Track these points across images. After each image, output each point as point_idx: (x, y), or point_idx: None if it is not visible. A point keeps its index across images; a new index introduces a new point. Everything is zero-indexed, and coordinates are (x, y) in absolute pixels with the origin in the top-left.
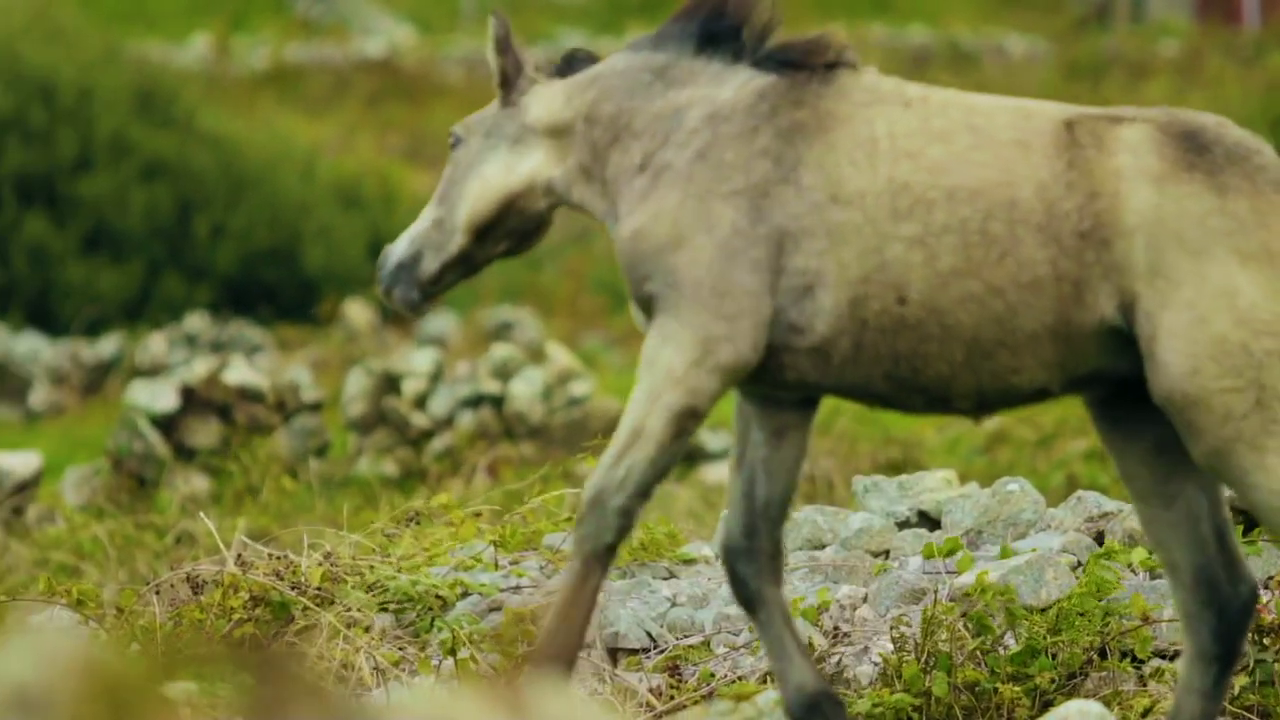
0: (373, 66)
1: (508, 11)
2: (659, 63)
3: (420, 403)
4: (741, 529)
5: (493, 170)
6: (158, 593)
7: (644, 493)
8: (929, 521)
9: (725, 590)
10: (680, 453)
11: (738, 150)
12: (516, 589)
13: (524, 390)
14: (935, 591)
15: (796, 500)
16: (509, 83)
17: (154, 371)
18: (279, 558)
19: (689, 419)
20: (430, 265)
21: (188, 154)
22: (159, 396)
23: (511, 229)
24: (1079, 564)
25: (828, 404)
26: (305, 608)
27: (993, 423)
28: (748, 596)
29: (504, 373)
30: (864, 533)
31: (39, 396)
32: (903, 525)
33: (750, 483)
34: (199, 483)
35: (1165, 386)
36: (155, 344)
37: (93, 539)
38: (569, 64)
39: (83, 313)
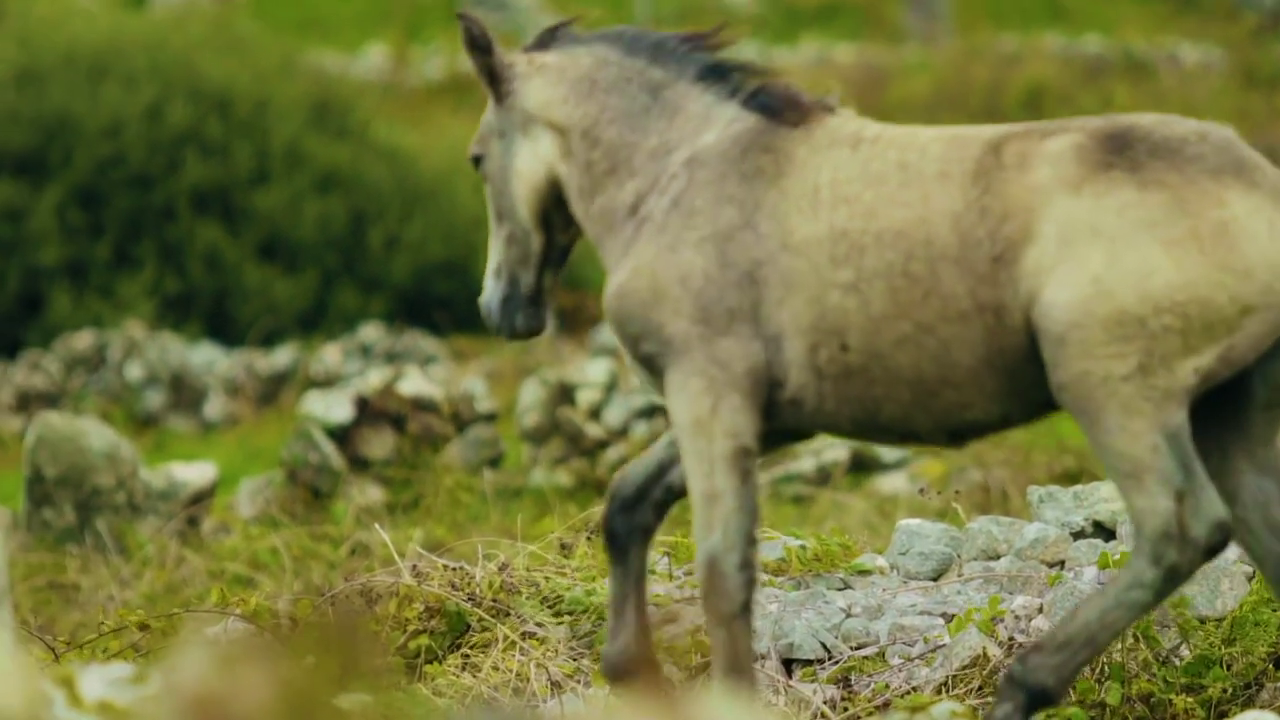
0: None
1: (681, 22)
2: (655, 80)
3: (595, 413)
4: (638, 485)
5: (523, 162)
6: (332, 604)
7: (749, 540)
8: (1104, 532)
9: (901, 601)
10: (757, 490)
11: (706, 196)
12: (690, 599)
13: None
14: None
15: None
16: (497, 79)
17: (329, 382)
18: (454, 569)
19: (743, 458)
20: (528, 279)
21: (362, 165)
22: (334, 407)
23: (565, 210)
24: (1255, 573)
25: None
26: (480, 619)
27: None
28: (617, 546)
29: None
30: (1039, 543)
31: (214, 407)
32: (1078, 535)
33: (670, 457)
34: (374, 494)
35: (1050, 329)
36: (330, 355)
37: (267, 550)
38: (551, 39)
39: (258, 324)
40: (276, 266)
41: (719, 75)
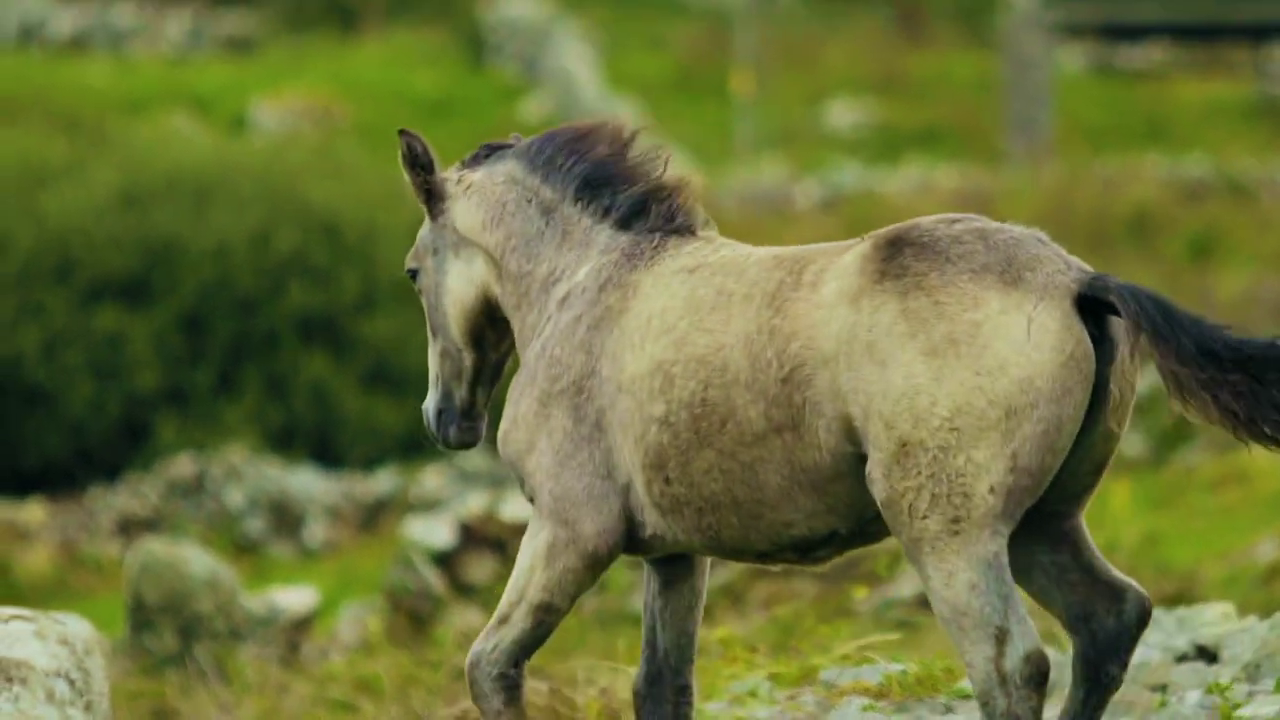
0: None
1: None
2: (547, 200)
3: None
4: (646, 676)
5: (454, 281)
6: None
7: (514, 664)
8: (1207, 655)
9: None
10: (545, 637)
11: (564, 345)
12: None
13: None
14: None
15: (696, 647)
16: (434, 197)
17: (430, 507)
18: (555, 692)
19: (546, 612)
20: (462, 394)
21: None
22: (435, 533)
23: (500, 326)
24: None
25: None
26: None
27: (1273, 553)
28: None
29: None
30: (1142, 667)
31: (314, 533)
32: (1180, 659)
33: (652, 630)
34: (476, 619)
35: (874, 492)
36: (431, 479)
37: (369, 676)
38: (484, 156)
39: (359, 448)
40: (380, 393)
41: (594, 192)
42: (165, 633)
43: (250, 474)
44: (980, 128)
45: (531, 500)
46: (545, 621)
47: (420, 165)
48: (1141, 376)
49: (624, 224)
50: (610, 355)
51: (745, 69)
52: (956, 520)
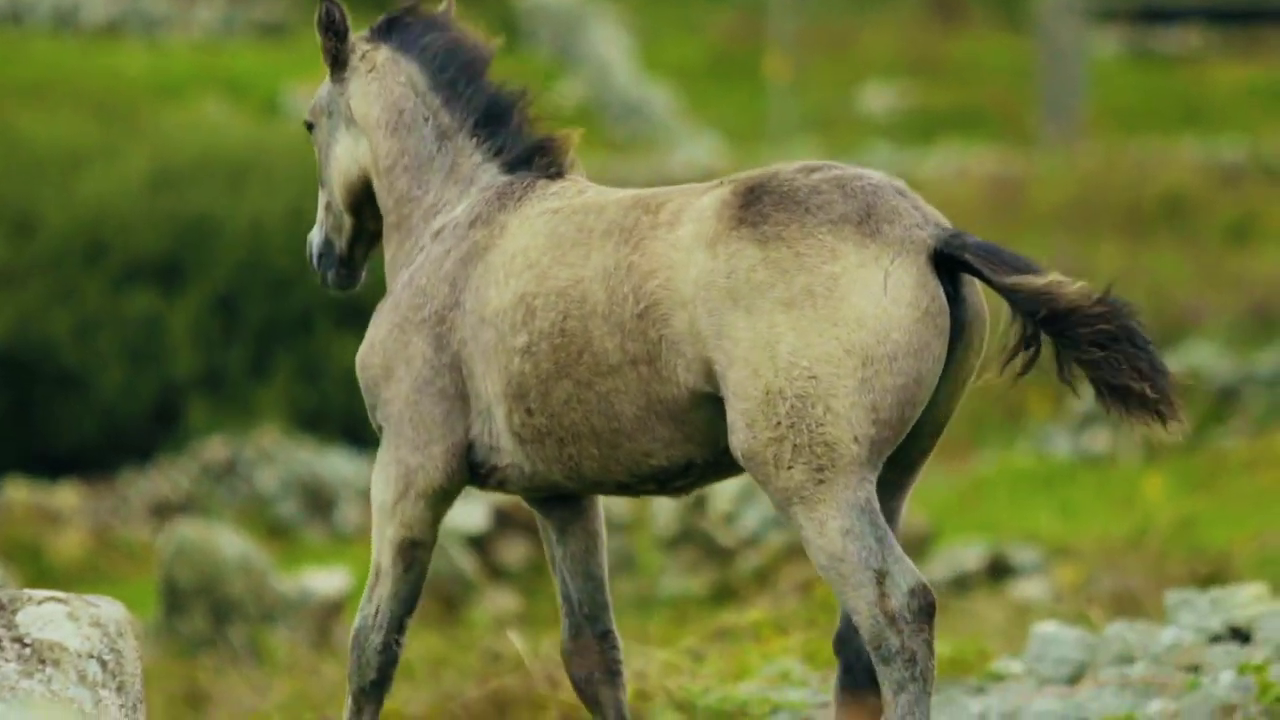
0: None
1: (819, 130)
2: (444, 125)
3: (728, 520)
4: (568, 631)
5: (342, 152)
6: (466, 710)
7: (398, 626)
8: (1240, 636)
9: (1036, 706)
10: (420, 580)
11: (430, 275)
12: (826, 705)
13: None
14: (1247, 707)
15: (609, 591)
16: (338, 63)
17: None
18: None
19: (411, 549)
20: (341, 245)
21: None
22: (469, 515)
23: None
24: None
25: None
26: None
27: None
28: (586, 698)
29: None
30: (1175, 648)
31: (346, 515)
32: (1214, 640)
33: (563, 584)
34: (509, 601)
35: (734, 444)
36: None
37: (404, 658)
38: (389, 28)
39: None
40: None
41: (492, 129)
42: (197, 615)
43: (282, 457)
44: (1015, 112)
45: (380, 430)
46: (415, 559)
47: (336, 32)
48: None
49: (510, 167)
50: (474, 289)
51: (780, 53)
52: (821, 469)
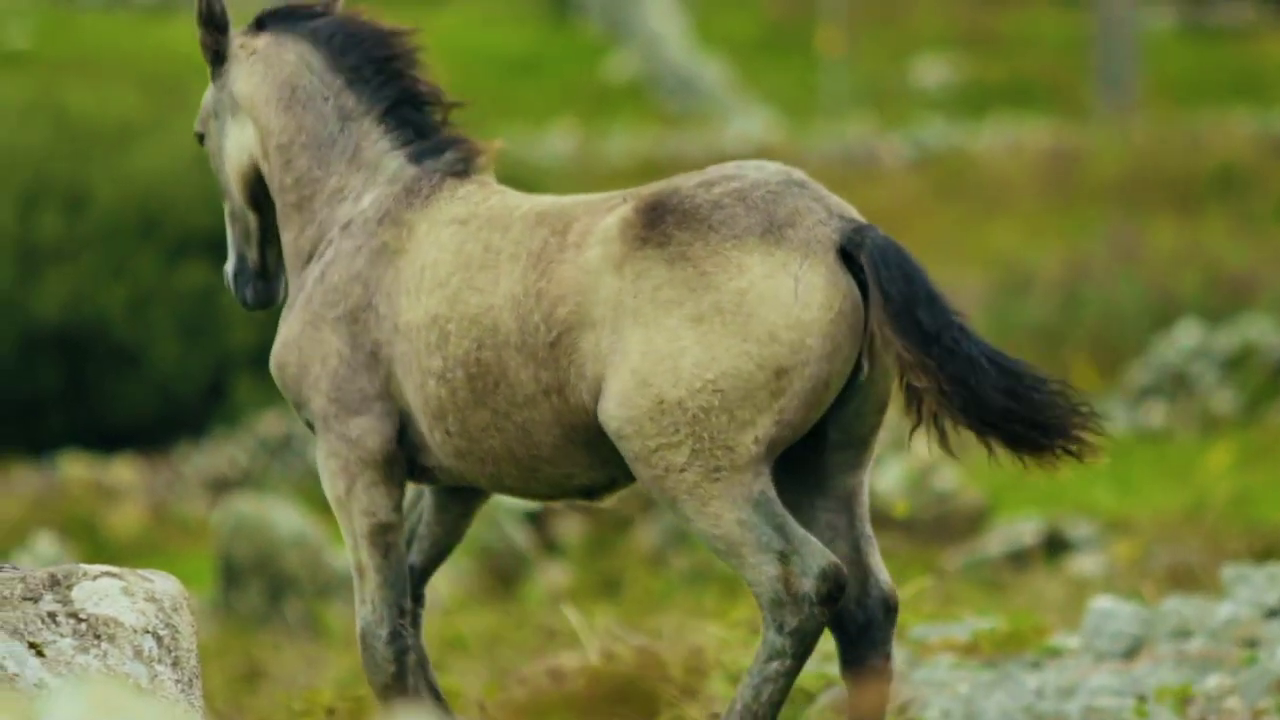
0: (738, 158)
1: (871, 103)
2: (347, 107)
3: None
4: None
5: (232, 145)
6: (521, 685)
7: (399, 612)
8: None
9: (1093, 682)
10: (402, 562)
11: (342, 273)
12: None
13: (888, 482)
14: None
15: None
16: (219, 58)
17: None
18: (643, 650)
19: (382, 533)
20: (253, 254)
21: None
22: None
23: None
24: None
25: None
26: (669, 700)
27: None
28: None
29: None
30: (1232, 623)
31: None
32: (1271, 615)
33: (409, 549)
34: (563, 576)
35: (623, 449)
36: None
37: (458, 633)
38: (268, 19)
39: None
40: None
41: (402, 120)
42: (254, 590)
43: None
44: (1068, 85)
45: (310, 426)
46: (389, 544)
47: (217, 25)
48: None
49: (416, 159)
50: (386, 294)
51: (832, 26)
52: (718, 469)
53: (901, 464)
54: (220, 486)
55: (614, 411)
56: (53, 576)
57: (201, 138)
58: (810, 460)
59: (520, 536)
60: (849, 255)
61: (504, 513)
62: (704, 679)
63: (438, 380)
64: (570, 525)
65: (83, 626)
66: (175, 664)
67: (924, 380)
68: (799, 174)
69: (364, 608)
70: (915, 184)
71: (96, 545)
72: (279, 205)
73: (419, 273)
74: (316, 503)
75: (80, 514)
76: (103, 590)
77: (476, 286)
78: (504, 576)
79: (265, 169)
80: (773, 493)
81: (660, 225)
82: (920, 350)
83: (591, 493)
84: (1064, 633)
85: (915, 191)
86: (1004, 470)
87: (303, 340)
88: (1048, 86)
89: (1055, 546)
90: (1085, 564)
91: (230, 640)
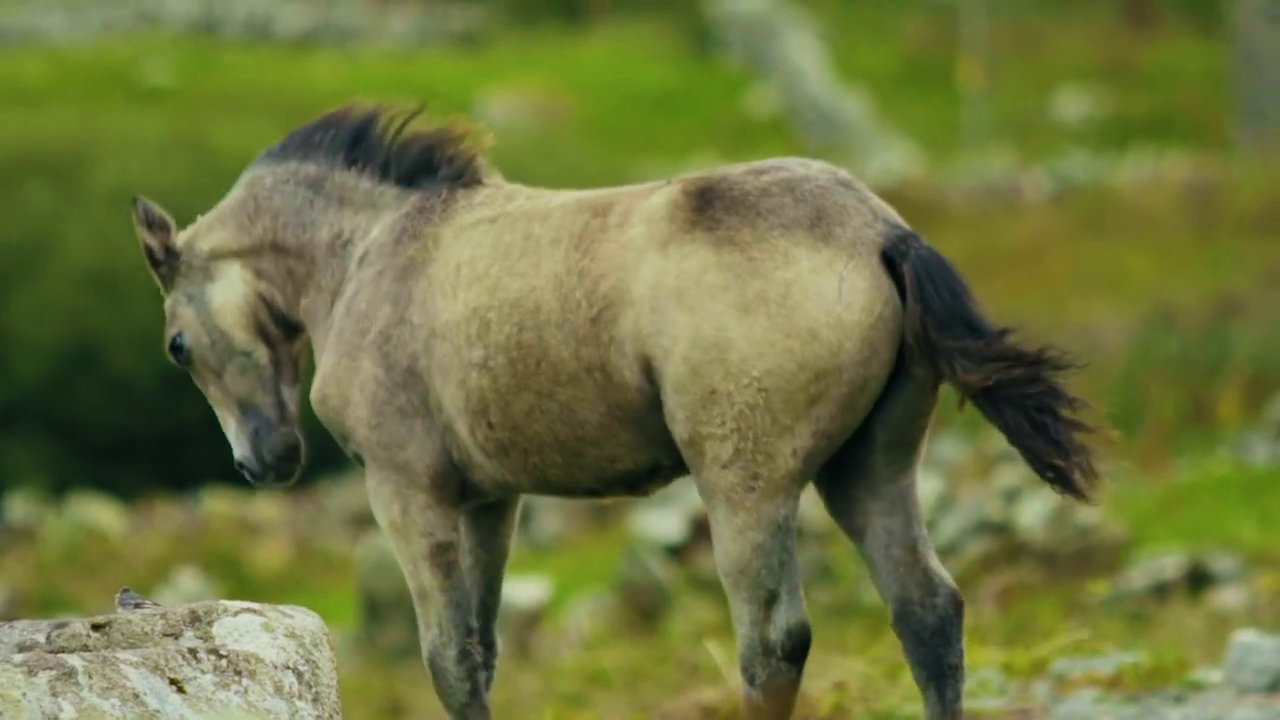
0: (880, 192)
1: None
2: (310, 175)
3: (928, 528)
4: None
5: (220, 296)
6: None
7: (466, 631)
8: None
9: (1235, 716)
10: (463, 582)
11: (368, 297)
12: (1023, 713)
13: (1031, 517)
14: None
15: (498, 607)
16: (170, 254)
17: (661, 500)
18: None
19: (442, 553)
20: (268, 400)
21: None
22: (666, 525)
23: (280, 323)
24: None
25: None
26: None
27: None
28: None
29: (1011, 499)
30: None
31: (545, 526)
32: None
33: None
34: (706, 611)
35: (675, 432)
36: None
37: (600, 668)
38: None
39: None
40: None
41: (367, 154)
42: (396, 626)
43: None
44: (1210, 117)
45: (358, 459)
46: (449, 563)
47: (159, 225)
48: None
49: (408, 180)
50: (420, 303)
51: (973, 59)
52: (756, 478)
53: (1043, 499)
54: (362, 522)
55: (669, 394)
56: (193, 613)
57: (179, 346)
58: (859, 463)
59: (661, 570)
60: (890, 260)
61: (645, 547)
62: (847, 716)
63: (480, 370)
64: (712, 559)
65: (223, 663)
66: (316, 700)
67: (974, 381)
68: (845, 173)
69: (430, 631)
70: (1056, 217)
71: (240, 581)
72: (291, 291)
73: (454, 272)
74: None
75: (223, 550)
76: (243, 626)
77: (517, 272)
78: (645, 611)
79: (265, 289)
80: (794, 521)
81: (709, 209)
82: (970, 356)
83: (635, 482)
84: (1207, 667)
85: (1056, 225)
86: (1146, 504)
87: (339, 372)
88: (1189, 118)
89: (1198, 580)
90: (1228, 597)
91: (372, 676)
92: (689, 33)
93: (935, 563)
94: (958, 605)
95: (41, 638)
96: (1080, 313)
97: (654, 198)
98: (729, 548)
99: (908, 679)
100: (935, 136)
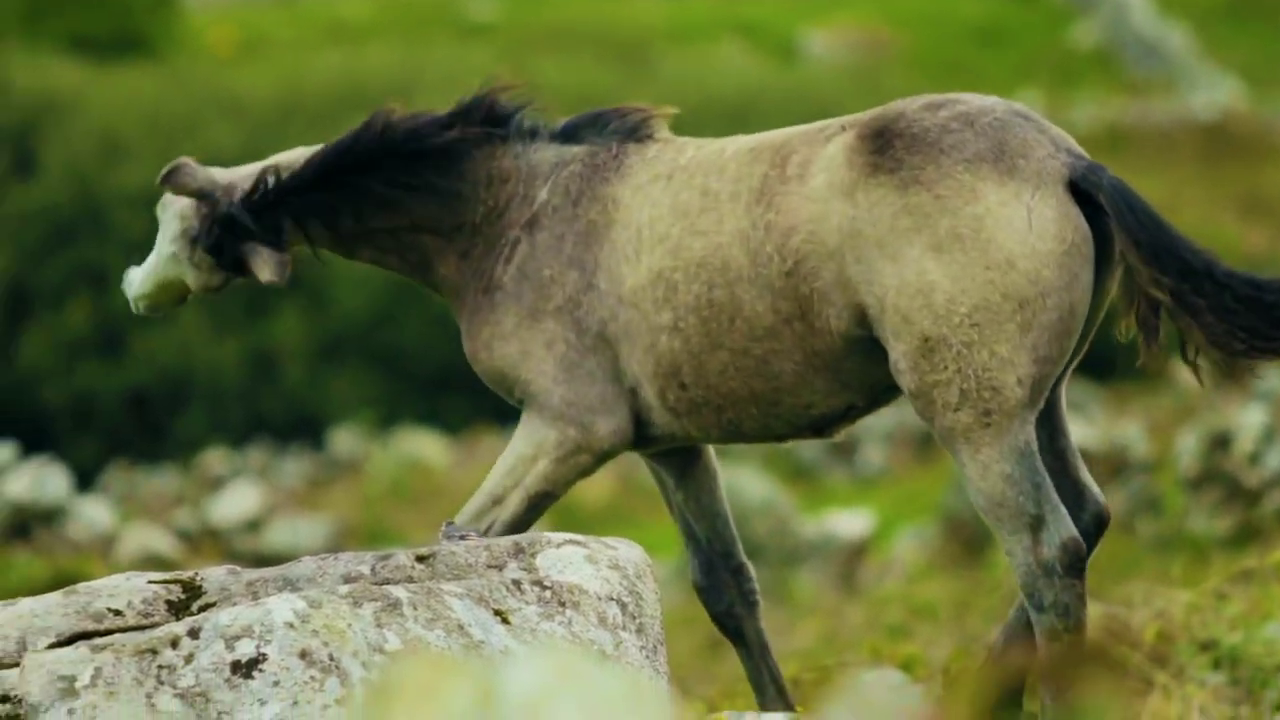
0: (1202, 127)
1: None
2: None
3: (1253, 460)
4: (700, 569)
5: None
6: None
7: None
8: None
9: None
10: (534, 521)
11: (550, 263)
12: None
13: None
14: None
15: (733, 526)
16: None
17: None
18: (1111, 615)
19: (543, 499)
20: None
21: None
22: None
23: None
24: None
25: None
26: (1137, 667)
27: None
28: (729, 631)
29: None
30: None
31: (871, 458)
32: None
33: (687, 525)
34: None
35: (902, 384)
36: None
37: (925, 599)
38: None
39: None
40: None
41: (491, 120)
42: None
43: None
44: None
45: (521, 403)
46: (540, 507)
47: (200, 192)
48: None
49: (569, 138)
50: (605, 269)
51: None
52: (988, 413)
53: None
54: None
55: (891, 345)
56: (517, 545)
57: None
58: None
59: None
60: (1077, 189)
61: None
62: (1172, 646)
63: (670, 333)
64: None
65: (547, 594)
66: (639, 631)
67: (1190, 313)
68: (1021, 105)
69: (480, 524)
70: None
71: (565, 515)
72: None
73: (635, 236)
74: (784, 471)
75: None
76: (567, 558)
77: (700, 230)
78: (969, 543)
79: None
80: (1035, 445)
81: (889, 150)
82: (1191, 286)
83: (824, 426)
84: None
85: None
86: None
87: (522, 331)
88: None
89: None
90: None
91: (695, 608)
92: None
93: (1086, 476)
94: (1100, 523)
95: (366, 569)
96: None
97: (829, 145)
98: (980, 485)
99: (1233, 610)
100: (1259, 71)
